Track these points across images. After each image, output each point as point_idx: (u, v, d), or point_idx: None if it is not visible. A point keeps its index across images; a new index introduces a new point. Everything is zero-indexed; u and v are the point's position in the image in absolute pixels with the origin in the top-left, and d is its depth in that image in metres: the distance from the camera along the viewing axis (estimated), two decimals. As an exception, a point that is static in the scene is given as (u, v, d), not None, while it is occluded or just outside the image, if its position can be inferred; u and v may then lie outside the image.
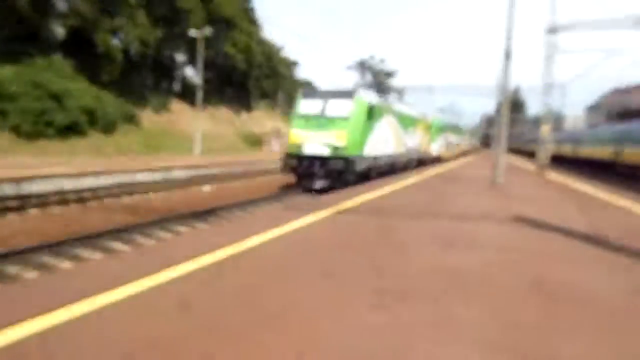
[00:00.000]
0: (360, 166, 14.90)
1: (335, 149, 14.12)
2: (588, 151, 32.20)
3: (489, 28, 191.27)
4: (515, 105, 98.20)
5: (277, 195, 14.01)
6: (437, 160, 31.02)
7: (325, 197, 9.30)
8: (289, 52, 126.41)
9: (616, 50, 24.40)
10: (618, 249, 5.40)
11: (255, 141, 43.32)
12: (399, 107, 21.05)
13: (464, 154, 47.79)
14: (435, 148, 30.58)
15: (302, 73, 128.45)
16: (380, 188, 11.39)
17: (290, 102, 66.26)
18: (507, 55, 13.40)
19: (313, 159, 14.22)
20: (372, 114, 15.74)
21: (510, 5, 13.23)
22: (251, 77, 46.77)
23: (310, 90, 17.81)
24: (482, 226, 6.69)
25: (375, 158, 16.39)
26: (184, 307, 3.13)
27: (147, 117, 33.31)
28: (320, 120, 14.49)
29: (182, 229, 9.40)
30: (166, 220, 9.54)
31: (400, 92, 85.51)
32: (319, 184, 14.23)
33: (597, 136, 30.85)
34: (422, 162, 25.48)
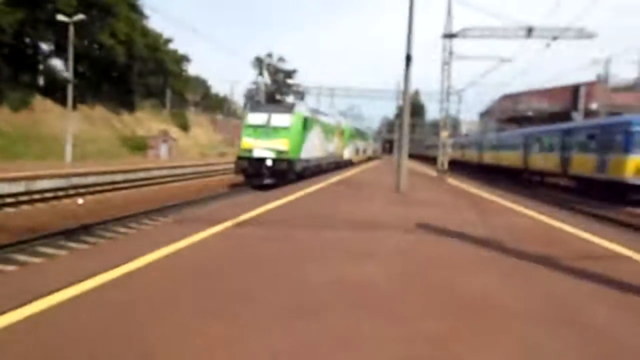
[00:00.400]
0: (298, 167, 20.18)
1: (280, 152, 19.03)
2: (503, 157, 32.52)
3: (390, 32, 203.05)
4: (416, 109, 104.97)
5: (163, 209, 13.49)
6: (349, 163, 35.94)
7: (222, 209, 9.07)
8: (179, 45, 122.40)
9: (507, 57, 27.30)
10: (515, 253, 5.99)
11: (139, 146, 41.06)
12: (323, 117, 26.53)
13: (368, 159, 52.57)
14: (347, 153, 35.72)
15: (193, 69, 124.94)
16: (289, 194, 11.43)
17: (180, 101, 63.97)
18: (408, 60, 14.29)
19: (261, 161, 18.96)
20: (306, 124, 20.87)
21: (411, 10, 14.15)
22: (133, 72, 44.29)
23: (256, 104, 24.04)
24: (386, 235, 7.00)
25: (307, 161, 21.63)
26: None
27: (3, 116, 29.94)
28: (266, 130, 19.42)
29: (48, 250, 8.57)
30: (24, 242, 8.65)
31: (301, 94, 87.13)
32: (266, 181, 18.73)
33: (512, 141, 31.18)
34: (338, 165, 30.52)
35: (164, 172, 25.53)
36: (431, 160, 49.48)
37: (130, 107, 46.57)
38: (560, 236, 7.59)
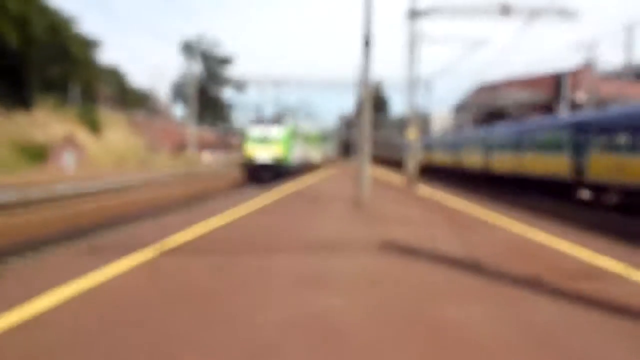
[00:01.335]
0: (289, 169, 33.53)
1: (275, 158, 32.12)
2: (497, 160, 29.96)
3: (345, 15, 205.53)
4: (379, 103, 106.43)
5: (72, 233, 13.10)
6: (315, 166, 46.75)
7: (147, 232, 8.85)
8: (88, 27, 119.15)
9: (482, 41, 27.95)
10: (496, 276, 6.15)
11: (38, 154, 39.50)
12: (302, 126, 42.86)
13: (329, 161, 60.02)
14: (314, 156, 47.53)
15: (106, 57, 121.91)
16: (238, 205, 11.30)
17: (90, 97, 62.09)
18: (367, 43, 14.50)
19: (261, 165, 31.97)
20: (292, 135, 35.05)
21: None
22: (29, 60, 42.65)
23: (255, 120, 36.83)
24: (345, 258, 7.05)
25: (294, 164, 35.53)
26: None
27: None
28: (264, 140, 32.60)
29: None
30: None
31: (239, 86, 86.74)
32: (266, 179, 30.40)
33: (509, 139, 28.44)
34: (308, 167, 42.51)
35: (71, 187, 24.65)
36: (398, 165, 50.17)
37: (25, 105, 44.67)
38: None
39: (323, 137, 57.66)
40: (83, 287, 5.26)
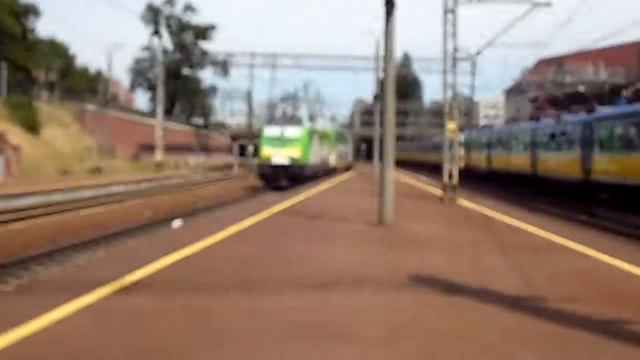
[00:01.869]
0: (308, 171, 38.74)
1: (293, 159, 37.35)
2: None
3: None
4: (406, 85, 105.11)
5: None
6: (333, 171, 51.56)
7: (100, 270, 8.71)
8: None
9: (540, 3, 27.10)
10: (581, 326, 5.95)
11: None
12: (319, 124, 50.04)
13: (347, 167, 62.47)
14: (333, 159, 52.74)
15: (46, 27, 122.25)
16: (218, 229, 11.17)
17: (24, 82, 61.95)
18: (390, 5, 14.27)
19: (278, 166, 37.11)
20: (310, 135, 40.34)
21: None
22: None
23: (271, 120, 47.28)
24: (368, 300, 6.89)
25: (312, 165, 40.60)
26: None
27: None
28: (281, 141, 38.09)
29: None
30: None
31: (223, 66, 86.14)
32: (283, 183, 36.06)
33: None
34: (327, 172, 47.70)
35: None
36: (432, 169, 49.48)
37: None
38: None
39: (340, 137, 62.96)
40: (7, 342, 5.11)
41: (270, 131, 39.25)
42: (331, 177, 45.31)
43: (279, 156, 37.55)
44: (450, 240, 11.86)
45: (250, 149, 72.02)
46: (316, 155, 42.84)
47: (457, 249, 10.79)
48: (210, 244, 10.79)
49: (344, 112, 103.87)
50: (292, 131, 38.75)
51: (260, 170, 39.30)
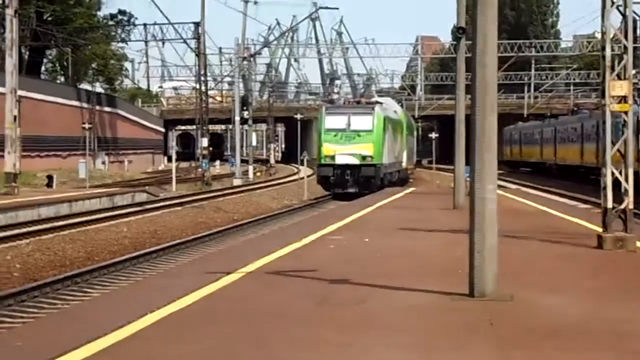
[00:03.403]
0: (382, 173, 31.63)
1: (364, 158, 30.47)
2: None
3: None
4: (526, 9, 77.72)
5: None
6: (405, 175, 41.32)
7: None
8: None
9: None
10: None
11: None
12: (389, 106, 38.36)
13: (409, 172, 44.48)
14: (404, 158, 40.49)
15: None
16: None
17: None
18: None
19: (345, 168, 30.48)
20: (385, 126, 32.46)
21: None
22: None
23: (332, 106, 37.23)
24: None
25: (387, 166, 33.06)
26: None
27: None
28: (348, 134, 30.97)
29: None
30: None
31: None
32: (351, 189, 30.03)
33: None
34: (400, 178, 38.32)
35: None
36: (577, 174, 36.63)
37: None
38: None
39: (409, 127, 48.76)
40: None
41: (333, 121, 31.67)
42: (403, 187, 34.43)
43: (345, 155, 30.63)
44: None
45: (203, 142, 42.96)
46: (390, 152, 34.45)
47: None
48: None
49: (388, 66, 75.52)
50: (362, 121, 31.26)
51: (320, 174, 32.56)
